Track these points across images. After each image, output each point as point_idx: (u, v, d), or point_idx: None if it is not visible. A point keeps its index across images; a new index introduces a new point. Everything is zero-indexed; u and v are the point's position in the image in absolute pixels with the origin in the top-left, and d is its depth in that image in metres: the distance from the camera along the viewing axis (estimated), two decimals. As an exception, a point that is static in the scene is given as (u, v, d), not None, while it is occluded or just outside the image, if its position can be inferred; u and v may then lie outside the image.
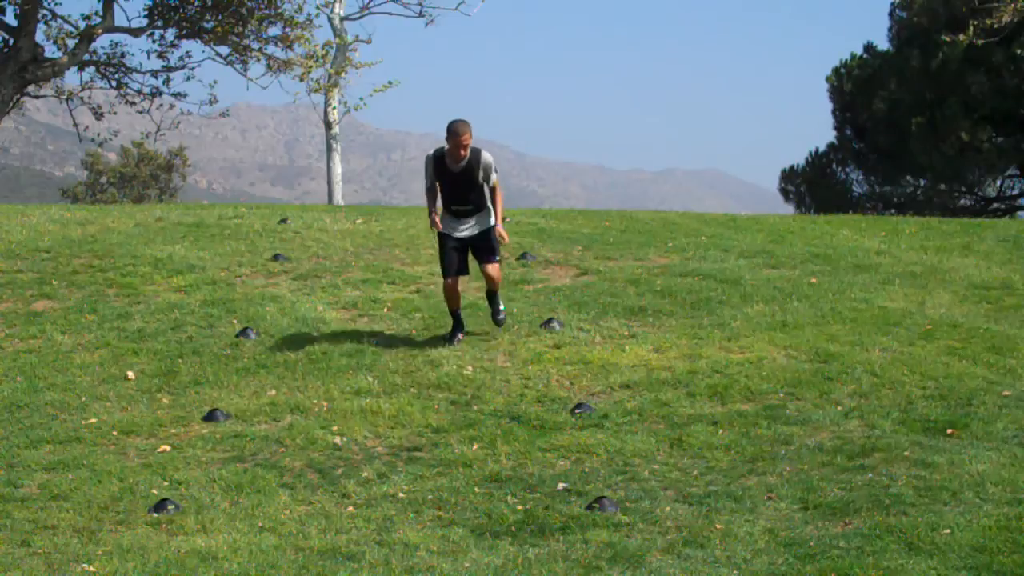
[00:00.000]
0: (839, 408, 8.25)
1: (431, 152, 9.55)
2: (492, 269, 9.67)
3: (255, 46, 22.71)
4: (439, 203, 9.65)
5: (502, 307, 10.08)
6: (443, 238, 9.65)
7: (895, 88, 29.27)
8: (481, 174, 9.44)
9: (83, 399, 8.86)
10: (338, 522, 6.59)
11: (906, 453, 7.18)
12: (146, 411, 8.63)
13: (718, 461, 7.39)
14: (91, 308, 10.99)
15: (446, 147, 9.36)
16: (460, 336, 9.84)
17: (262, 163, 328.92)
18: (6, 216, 15.62)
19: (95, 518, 6.69)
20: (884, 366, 9.01)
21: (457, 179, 9.43)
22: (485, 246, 9.67)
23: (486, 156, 9.42)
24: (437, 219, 9.46)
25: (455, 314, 9.92)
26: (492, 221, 9.66)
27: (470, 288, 11.63)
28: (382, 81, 23.93)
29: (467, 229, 9.64)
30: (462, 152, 9.29)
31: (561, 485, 7.05)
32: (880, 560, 5.57)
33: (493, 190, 9.63)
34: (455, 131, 9.24)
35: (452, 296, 9.74)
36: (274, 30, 22.66)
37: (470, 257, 9.84)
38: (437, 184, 9.55)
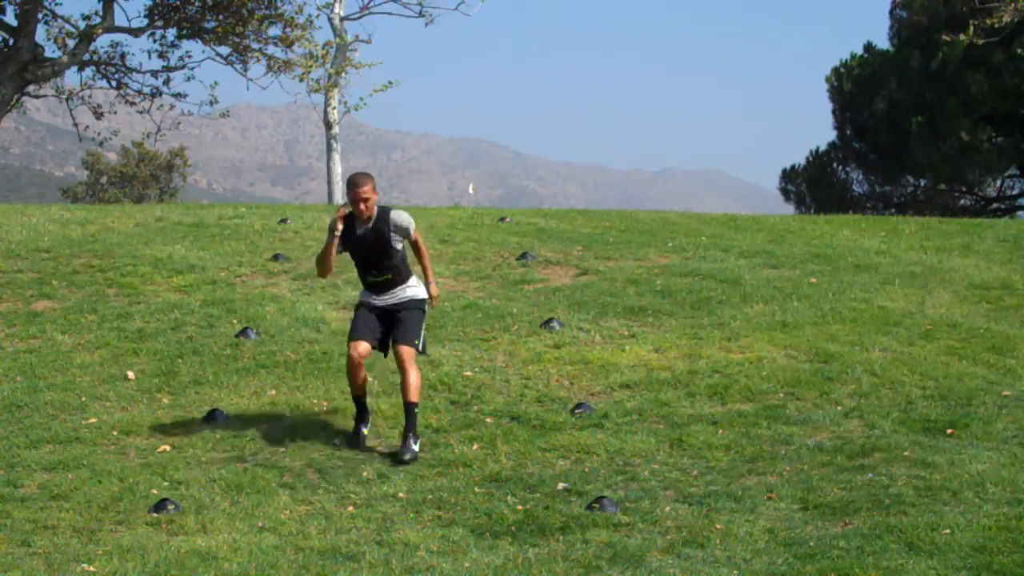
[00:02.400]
0: (839, 408, 8.25)
1: (333, 214, 8.07)
2: (407, 353, 7.78)
3: (255, 46, 22.70)
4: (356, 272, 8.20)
5: (416, 444, 7.72)
6: (358, 307, 8.06)
7: (895, 88, 29.28)
8: (394, 236, 7.86)
9: (83, 399, 8.86)
10: (338, 522, 6.59)
11: (906, 453, 7.19)
12: (146, 411, 8.63)
13: (718, 461, 7.39)
14: (91, 308, 10.99)
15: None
16: (364, 431, 8.00)
17: (262, 163, 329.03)
18: (6, 216, 15.62)
19: (95, 518, 6.69)
20: (884, 366, 9.02)
21: (366, 244, 7.88)
22: (403, 329, 7.88)
23: (397, 214, 7.88)
24: (340, 214, 7.89)
25: (358, 401, 8.03)
26: (418, 294, 8.03)
27: (470, 288, 11.63)
28: (382, 81, 23.91)
29: (387, 299, 7.96)
30: (363, 207, 7.77)
31: (561, 485, 7.05)
32: (880, 560, 5.57)
33: (417, 250, 8.06)
34: (352, 183, 7.82)
35: (355, 372, 7.84)
36: (274, 30, 22.66)
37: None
38: (341, 252, 8.01)
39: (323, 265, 7.99)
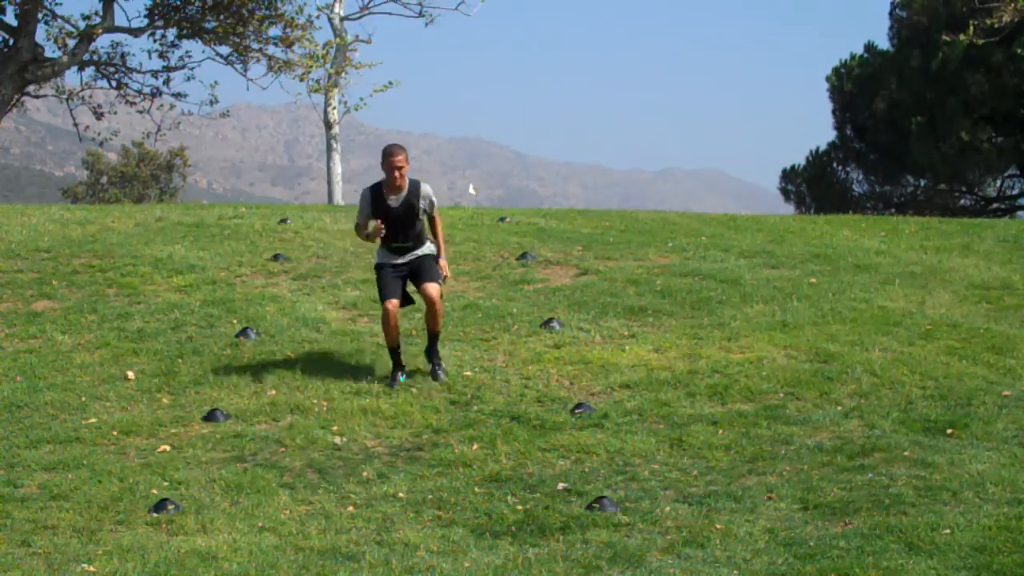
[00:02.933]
0: (839, 408, 8.25)
1: (367, 187, 9.07)
2: (433, 289, 8.85)
3: (255, 46, 22.72)
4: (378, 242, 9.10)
5: (443, 364, 9.14)
6: (381, 268, 9.05)
7: (895, 88, 29.28)
8: (422, 206, 8.89)
9: (83, 399, 8.86)
10: (338, 522, 6.59)
11: (906, 453, 7.18)
12: (146, 411, 8.63)
13: (718, 461, 7.39)
14: (91, 308, 10.99)
15: (383, 178, 8.89)
16: (400, 376, 8.98)
17: (262, 163, 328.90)
18: (6, 216, 15.62)
19: (95, 518, 6.69)
20: (884, 366, 9.01)
21: (397, 213, 8.83)
22: (426, 269, 8.97)
23: (426, 187, 8.91)
24: (378, 225, 8.87)
25: (394, 352, 9.03)
26: (431, 249, 9.09)
27: (470, 288, 11.62)
28: (382, 81, 23.94)
29: (408, 257, 9.01)
30: (397, 176, 8.73)
31: (561, 485, 7.05)
32: (880, 560, 5.57)
33: (434, 223, 9.09)
34: (387, 152, 8.76)
35: (391, 327, 8.87)
36: (274, 30, 22.68)
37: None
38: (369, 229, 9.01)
39: (362, 232, 9.09)
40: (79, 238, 13.84)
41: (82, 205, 26.41)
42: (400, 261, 9.00)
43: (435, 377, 9.00)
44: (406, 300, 9.11)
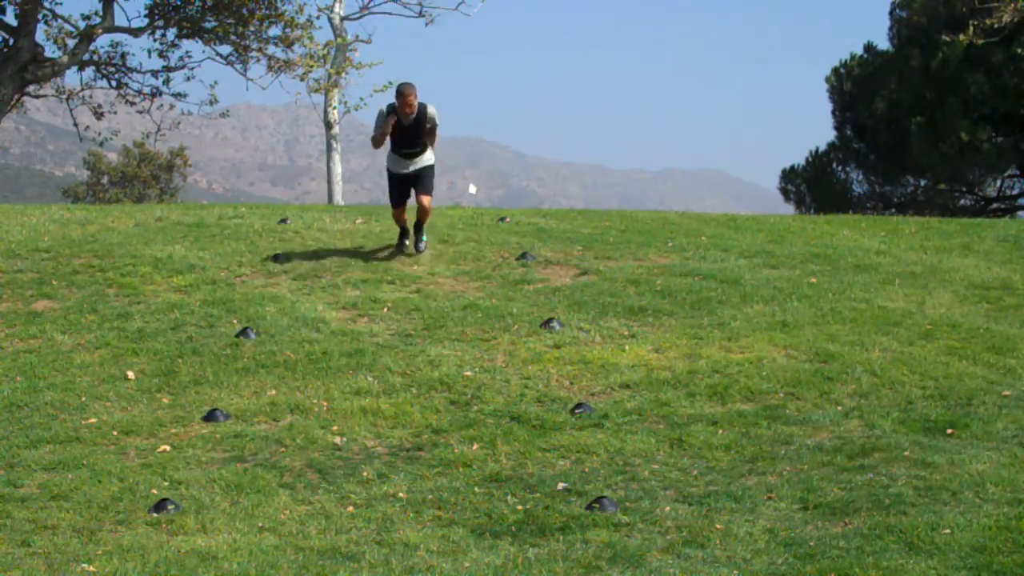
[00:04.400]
0: (839, 408, 8.25)
1: (384, 107, 11.82)
2: (427, 200, 12.22)
3: (255, 46, 22.71)
4: (388, 145, 12.04)
5: (425, 237, 12.66)
6: (392, 175, 12.39)
7: (895, 88, 29.27)
8: (428, 122, 11.93)
9: (83, 399, 8.86)
10: (338, 522, 6.59)
11: (906, 453, 7.18)
12: (146, 411, 8.63)
13: (718, 461, 7.39)
14: (91, 308, 10.99)
15: (396, 104, 11.74)
16: (405, 242, 12.64)
17: (262, 163, 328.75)
18: (6, 216, 15.62)
19: (95, 518, 6.69)
20: (884, 366, 9.01)
21: (408, 129, 11.89)
22: (425, 181, 12.23)
23: (431, 108, 11.92)
24: (388, 126, 11.85)
25: (403, 227, 12.67)
26: (431, 160, 12.28)
27: (470, 288, 11.63)
28: (382, 81, 23.90)
29: (411, 167, 12.18)
30: (408, 110, 11.75)
31: (561, 485, 7.05)
32: (880, 560, 5.57)
33: (432, 131, 12.03)
34: (401, 92, 11.75)
35: (400, 219, 12.53)
36: (274, 30, 22.66)
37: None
38: (387, 134, 11.84)
39: (377, 144, 12.13)
40: (79, 238, 13.84)
41: (82, 205, 26.42)
42: (405, 171, 12.21)
43: (416, 248, 12.53)
44: (407, 198, 12.44)
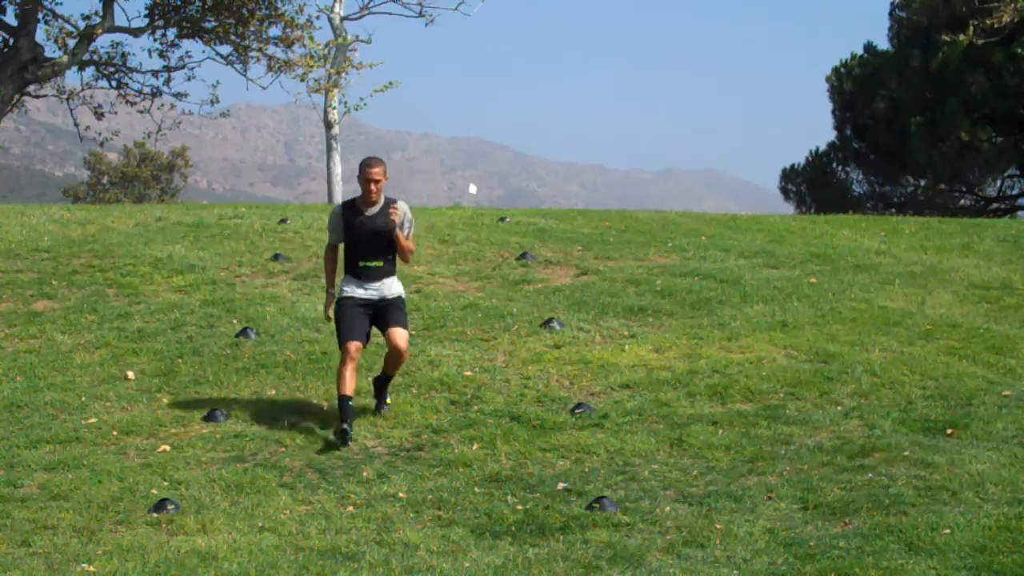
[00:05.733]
0: (839, 408, 8.25)
1: (336, 205, 8.51)
2: (402, 337, 8.17)
3: (255, 46, 22.72)
4: (340, 267, 8.47)
5: (389, 398, 8.53)
6: (343, 301, 8.24)
7: (895, 88, 29.28)
8: (398, 223, 8.18)
9: (83, 399, 8.86)
10: (338, 522, 6.59)
11: (906, 453, 7.18)
12: (146, 411, 8.63)
13: (718, 461, 7.39)
14: (91, 308, 10.99)
15: (358, 195, 8.31)
16: (348, 428, 7.89)
17: (262, 163, 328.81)
18: (6, 216, 15.63)
19: (95, 518, 6.69)
20: (884, 366, 9.01)
21: (370, 227, 8.16)
22: (395, 312, 8.26)
23: (402, 204, 8.25)
24: (329, 312, 8.38)
25: (345, 402, 8.02)
26: (400, 291, 8.36)
27: (470, 288, 11.62)
28: (382, 81, 23.94)
29: (373, 291, 8.25)
30: (373, 189, 8.11)
31: (561, 485, 7.05)
32: (880, 560, 5.56)
33: (404, 240, 8.25)
34: (365, 164, 8.17)
35: (351, 372, 8.05)
36: (274, 30, 22.68)
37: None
38: (341, 244, 8.36)
39: (329, 263, 8.49)
40: (79, 238, 13.84)
41: (82, 205, 26.43)
42: (366, 295, 8.21)
43: (377, 410, 8.39)
44: (367, 336, 8.32)
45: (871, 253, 13.13)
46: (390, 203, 8.20)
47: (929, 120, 27.88)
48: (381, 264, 8.23)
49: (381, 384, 8.49)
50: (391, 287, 8.30)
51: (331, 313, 8.31)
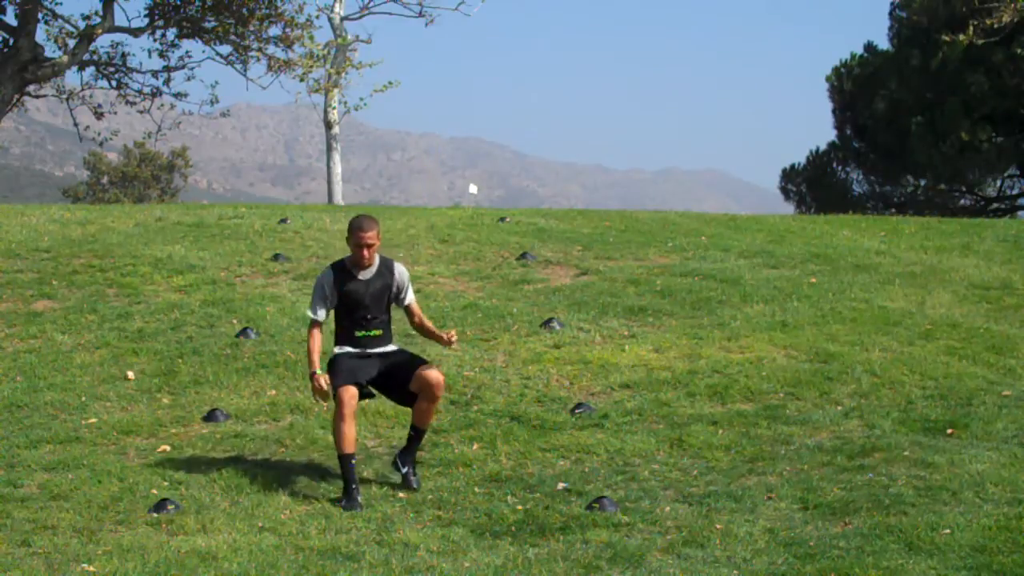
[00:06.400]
0: (839, 408, 8.25)
1: (326, 270, 7.34)
2: (435, 374, 7.15)
3: (255, 46, 22.74)
4: (337, 336, 7.32)
5: (416, 473, 7.24)
6: (338, 355, 7.24)
7: (895, 88, 29.29)
8: (394, 290, 7.27)
9: (83, 399, 8.86)
10: (338, 522, 6.59)
11: (906, 453, 7.18)
12: (146, 411, 8.63)
13: (718, 461, 7.39)
14: (91, 308, 10.99)
15: (347, 256, 7.31)
16: (358, 495, 6.90)
17: (262, 163, 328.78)
18: (6, 216, 15.63)
19: (95, 518, 6.68)
20: (884, 366, 9.01)
21: (362, 295, 7.18)
22: (408, 360, 7.28)
23: (400, 267, 7.35)
24: (322, 381, 7.05)
25: (347, 462, 6.97)
26: (400, 347, 7.48)
27: (470, 288, 11.62)
28: (382, 81, 23.97)
29: (375, 349, 7.26)
30: (365, 254, 7.12)
31: (561, 485, 7.05)
32: (880, 560, 5.56)
33: (417, 315, 7.42)
34: (356, 226, 7.14)
35: (349, 423, 6.95)
36: (274, 30, 22.70)
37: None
38: (331, 311, 7.30)
39: (312, 349, 7.25)
40: (79, 238, 13.84)
41: (82, 205, 26.44)
42: (367, 352, 7.24)
43: (408, 484, 7.11)
44: (368, 392, 7.31)
45: (871, 253, 13.13)
46: (388, 264, 7.31)
47: (929, 120, 27.89)
48: (381, 333, 7.26)
49: (408, 452, 7.26)
50: (391, 346, 7.36)
51: (324, 382, 7.06)
